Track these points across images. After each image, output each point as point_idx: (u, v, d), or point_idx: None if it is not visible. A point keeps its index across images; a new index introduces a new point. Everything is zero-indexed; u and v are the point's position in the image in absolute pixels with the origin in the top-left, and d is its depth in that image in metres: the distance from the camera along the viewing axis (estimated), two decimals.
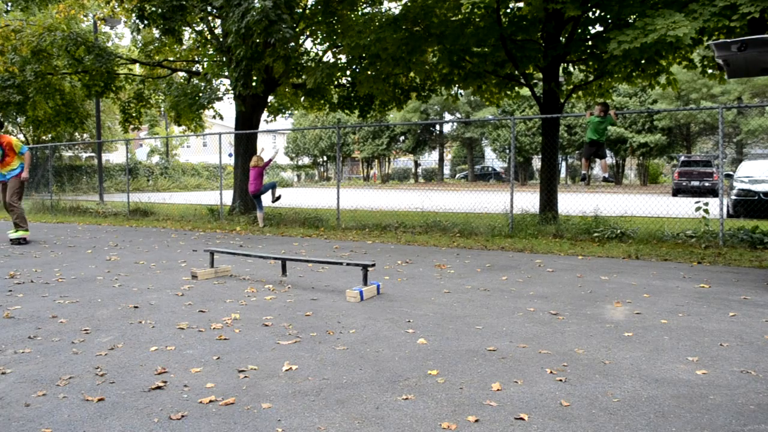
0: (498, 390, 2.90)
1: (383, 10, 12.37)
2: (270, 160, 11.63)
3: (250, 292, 5.33)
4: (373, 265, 5.27)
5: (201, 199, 20.74)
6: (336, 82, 13.60)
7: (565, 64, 11.10)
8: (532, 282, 5.73)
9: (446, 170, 49.52)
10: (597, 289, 5.37)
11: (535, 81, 11.86)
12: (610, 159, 36.89)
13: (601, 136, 8.52)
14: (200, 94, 13.42)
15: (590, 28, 10.38)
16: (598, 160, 9.03)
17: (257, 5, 9.83)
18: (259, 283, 5.82)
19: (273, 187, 11.57)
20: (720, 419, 2.55)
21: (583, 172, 9.35)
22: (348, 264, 5.42)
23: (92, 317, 4.44)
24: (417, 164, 49.88)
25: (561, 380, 3.03)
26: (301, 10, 12.32)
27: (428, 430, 2.47)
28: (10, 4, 19.14)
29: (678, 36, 7.09)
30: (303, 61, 13.15)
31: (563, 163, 38.36)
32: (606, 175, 9.46)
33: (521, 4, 10.54)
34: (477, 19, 10.38)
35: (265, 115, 15.07)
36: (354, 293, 4.98)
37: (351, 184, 41.32)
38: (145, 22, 11.54)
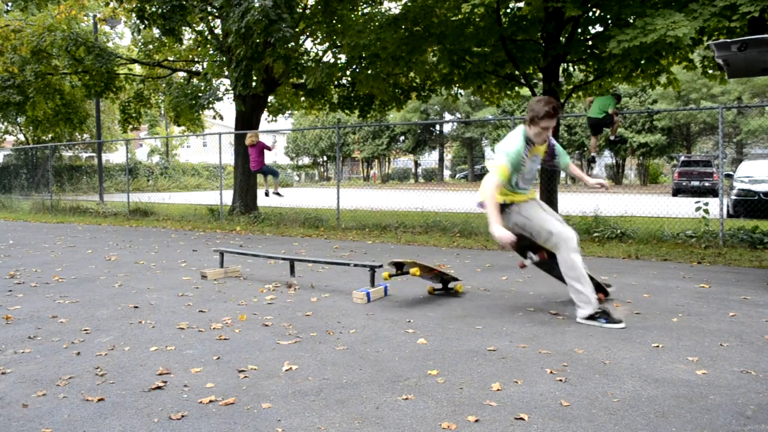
0: (498, 390, 2.90)
1: (383, 10, 12.37)
2: (270, 146, 11.25)
3: (250, 292, 5.33)
4: (381, 267, 5.21)
5: (201, 199, 20.74)
6: (336, 82, 13.60)
7: (565, 65, 11.09)
8: (532, 282, 5.73)
9: (446, 171, 49.51)
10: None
11: (535, 81, 11.85)
12: (610, 159, 36.93)
13: (602, 114, 8.71)
14: (200, 95, 13.42)
15: (590, 28, 10.38)
16: (607, 129, 9.13)
17: (257, 5, 9.83)
18: (259, 282, 5.82)
19: (275, 174, 11.31)
20: (720, 419, 2.55)
21: (593, 154, 9.33)
22: (356, 265, 5.37)
23: (92, 317, 4.44)
24: (417, 164, 49.87)
25: (561, 380, 3.03)
26: (301, 10, 12.32)
27: (428, 430, 2.47)
28: (10, 4, 19.13)
29: (678, 36, 7.09)
30: (303, 61, 13.15)
31: None
32: (612, 137, 9.51)
33: (521, 4, 10.53)
34: (477, 19, 10.37)
35: (265, 115, 15.07)
36: (360, 295, 4.91)
37: (351, 184, 41.32)
38: (146, 22, 11.55)
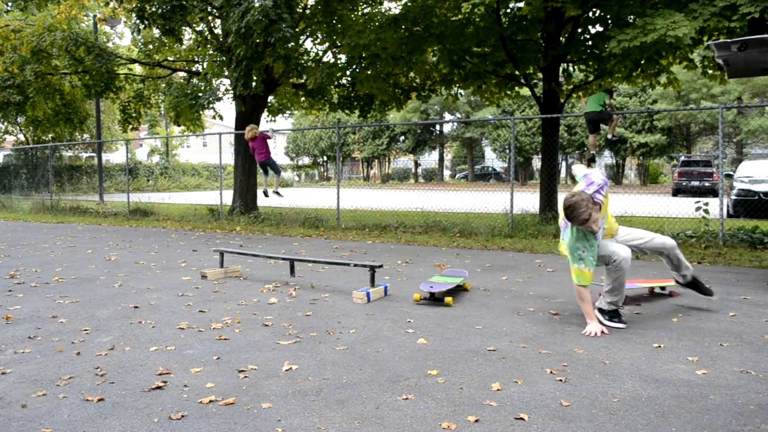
0: (498, 390, 2.90)
1: (383, 10, 12.37)
2: (269, 134, 10.80)
3: (250, 292, 5.33)
4: (381, 266, 5.22)
5: (201, 199, 20.75)
6: (336, 82, 13.60)
7: (565, 65, 11.10)
8: (532, 282, 5.73)
9: (446, 171, 49.51)
10: (597, 289, 5.36)
11: (535, 81, 11.86)
12: (610, 159, 36.92)
13: (599, 107, 8.69)
14: (200, 95, 13.42)
15: (590, 28, 10.38)
16: (605, 126, 9.11)
17: (257, 5, 9.83)
18: (259, 282, 5.82)
19: (277, 172, 10.87)
20: (720, 419, 2.55)
21: (592, 152, 9.32)
22: (356, 265, 5.37)
23: (92, 317, 4.44)
24: (417, 164, 49.87)
25: (561, 380, 3.03)
26: (301, 10, 12.32)
27: (428, 430, 2.47)
28: (10, 4, 19.14)
29: (678, 36, 7.09)
30: (303, 61, 13.15)
31: (563, 163, 38.35)
32: (610, 136, 9.50)
33: (521, 4, 10.54)
34: (477, 19, 10.38)
35: (265, 115, 15.07)
36: (360, 294, 4.91)
37: (351, 184, 41.32)
38: (146, 22, 11.54)
